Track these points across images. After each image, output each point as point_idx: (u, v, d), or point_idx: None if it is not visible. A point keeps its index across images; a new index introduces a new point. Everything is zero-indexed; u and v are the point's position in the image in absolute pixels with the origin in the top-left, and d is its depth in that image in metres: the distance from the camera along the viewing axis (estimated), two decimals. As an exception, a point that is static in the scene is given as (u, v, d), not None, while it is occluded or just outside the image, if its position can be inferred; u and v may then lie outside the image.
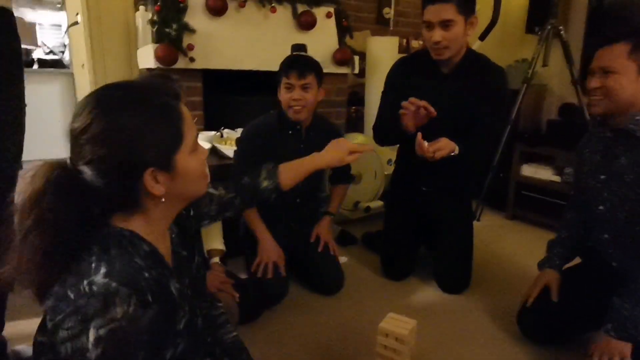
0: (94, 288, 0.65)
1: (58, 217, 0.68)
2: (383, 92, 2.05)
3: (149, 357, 0.69)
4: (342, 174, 2.15)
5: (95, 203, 0.72)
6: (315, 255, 1.98)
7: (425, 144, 1.67)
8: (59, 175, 0.69)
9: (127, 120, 0.70)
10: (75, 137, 0.70)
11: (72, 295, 0.66)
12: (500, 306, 1.90)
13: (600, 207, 1.43)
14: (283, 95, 1.82)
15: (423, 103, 1.71)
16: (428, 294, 2.01)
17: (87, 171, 0.70)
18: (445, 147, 1.71)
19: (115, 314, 0.64)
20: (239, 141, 1.94)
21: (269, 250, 1.84)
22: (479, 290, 2.04)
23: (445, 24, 1.72)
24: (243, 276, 1.92)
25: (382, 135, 2.05)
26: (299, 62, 1.83)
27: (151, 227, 0.78)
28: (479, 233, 2.09)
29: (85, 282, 0.66)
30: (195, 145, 0.80)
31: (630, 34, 1.29)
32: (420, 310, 1.86)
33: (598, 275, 1.47)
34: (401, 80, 1.97)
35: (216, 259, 1.66)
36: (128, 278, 0.68)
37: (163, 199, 0.75)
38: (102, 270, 0.67)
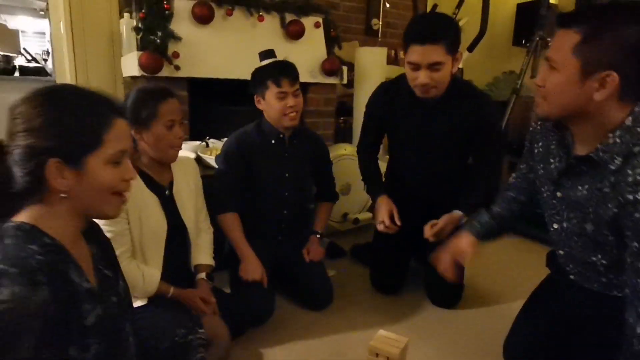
0: None
1: None
2: (365, 115, 2.04)
3: (40, 347, 0.65)
4: (326, 192, 2.11)
5: (13, 187, 0.74)
6: (303, 269, 1.93)
7: (428, 228, 1.74)
8: None
9: (52, 108, 0.75)
10: (11, 110, 0.75)
11: None
12: (493, 320, 1.87)
13: (555, 226, 1.23)
14: (275, 104, 1.76)
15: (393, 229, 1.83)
16: (419, 308, 1.97)
17: (12, 147, 0.74)
18: (446, 225, 1.74)
19: (2, 295, 0.63)
20: (221, 158, 1.85)
21: (252, 269, 1.75)
22: (470, 304, 2.00)
23: (434, 66, 1.63)
24: (228, 291, 1.85)
25: (364, 174, 2.08)
26: (288, 68, 1.79)
27: (56, 224, 0.77)
28: (469, 245, 2.06)
29: None
30: (118, 161, 0.80)
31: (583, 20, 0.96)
32: (411, 326, 1.82)
33: (579, 299, 1.26)
34: (383, 109, 1.93)
35: (202, 275, 1.59)
36: (17, 260, 0.67)
37: (64, 195, 0.75)
38: None
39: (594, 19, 0.94)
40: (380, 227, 1.86)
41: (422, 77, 1.65)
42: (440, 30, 1.62)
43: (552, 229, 1.24)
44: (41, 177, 0.73)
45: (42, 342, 0.65)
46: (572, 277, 1.26)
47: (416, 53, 1.63)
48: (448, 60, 1.64)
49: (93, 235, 0.91)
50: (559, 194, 1.16)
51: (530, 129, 1.29)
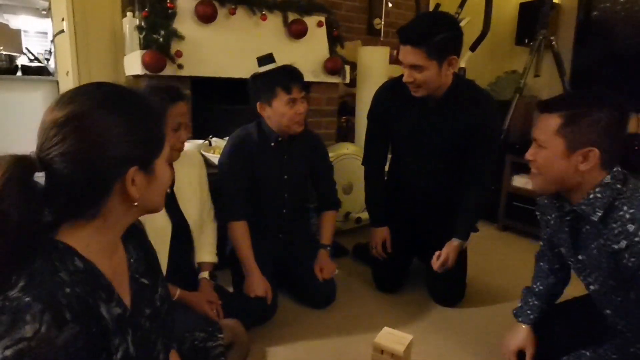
0: (7, 303, 0.60)
1: (10, 213, 0.62)
2: (369, 117, 2.02)
3: None
4: (328, 200, 2.06)
5: (51, 204, 0.67)
6: (306, 268, 1.93)
7: (435, 261, 1.82)
8: (19, 167, 0.63)
9: (120, 116, 0.69)
10: (60, 125, 0.65)
11: None
12: (495, 318, 1.87)
13: (592, 287, 1.26)
14: (285, 112, 1.73)
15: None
16: (422, 306, 1.97)
17: (58, 162, 0.65)
18: (449, 256, 1.81)
19: (24, 332, 0.57)
20: (225, 160, 1.83)
21: (257, 285, 1.72)
22: (472, 303, 2.00)
23: (414, 68, 1.65)
24: (231, 289, 1.85)
25: (368, 198, 2.12)
26: (297, 74, 1.77)
27: (96, 240, 0.71)
28: (471, 244, 2.05)
29: (1, 297, 0.60)
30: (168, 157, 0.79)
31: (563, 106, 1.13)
32: (414, 324, 1.82)
33: (597, 317, 1.32)
34: (386, 106, 1.93)
35: (205, 274, 1.60)
36: (44, 292, 0.61)
37: (136, 203, 0.72)
38: (20, 284, 0.61)
39: (571, 106, 1.11)
40: (373, 252, 2.06)
41: (405, 75, 1.69)
42: (423, 34, 1.60)
43: (590, 291, 1.28)
44: (109, 190, 0.69)
45: None
46: (619, 327, 1.25)
47: (400, 52, 1.68)
48: (431, 65, 1.63)
49: (134, 238, 0.86)
50: (580, 257, 1.25)
51: (538, 202, 1.38)
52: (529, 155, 1.20)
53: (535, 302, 1.43)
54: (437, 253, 1.84)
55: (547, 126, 1.13)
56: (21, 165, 0.63)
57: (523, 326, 1.42)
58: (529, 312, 1.43)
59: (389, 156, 2.13)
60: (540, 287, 1.45)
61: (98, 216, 0.70)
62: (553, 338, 1.39)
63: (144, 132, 0.71)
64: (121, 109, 0.70)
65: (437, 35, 1.59)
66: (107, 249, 0.74)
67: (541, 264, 1.47)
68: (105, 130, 0.66)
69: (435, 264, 1.82)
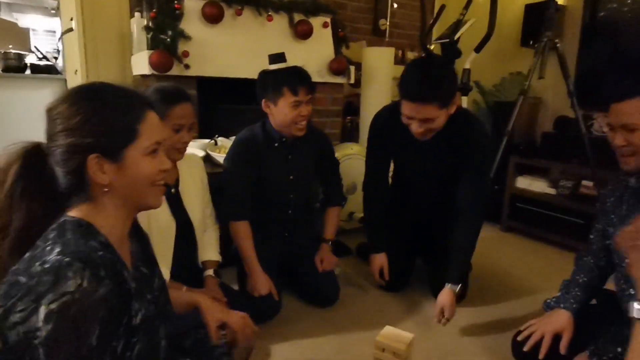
0: (46, 266, 0.65)
1: (26, 195, 0.75)
2: (368, 142, 2.00)
3: (103, 337, 0.67)
4: (333, 195, 2.08)
5: (59, 186, 0.77)
6: (310, 267, 1.95)
7: (440, 318, 1.69)
8: (30, 154, 0.77)
9: (89, 105, 0.76)
10: (49, 111, 0.77)
11: (23, 279, 0.65)
12: (497, 319, 1.89)
13: (627, 261, 1.29)
14: (288, 112, 1.73)
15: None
16: (424, 305, 1.98)
17: (53, 147, 0.75)
18: (448, 306, 1.67)
19: (67, 287, 0.63)
20: (230, 161, 1.85)
21: (260, 284, 1.74)
22: (475, 303, 2.01)
23: (428, 120, 1.60)
24: (236, 287, 1.88)
25: (368, 223, 2.11)
26: (306, 77, 1.76)
27: (106, 223, 0.78)
28: (475, 245, 2.07)
29: (37, 264, 0.66)
30: (155, 151, 0.81)
31: None
32: (416, 323, 1.83)
33: (609, 318, 1.35)
34: (383, 135, 1.93)
35: (210, 272, 1.62)
36: (81, 254, 0.68)
37: (106, 189, 0.77)
38: (57, 250, 0.68)
39: None
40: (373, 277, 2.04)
41: (415, 127, 1.63)
42: (431, 90, 1.55)
43: (624, 264, 1.29)
44: (83, 174, 0.75)
45: (106, 332, 0.67)
46: None
47: (408, 108, 1.60)
48: (442, 113, 1.60)
49: (132, 230, 0.91)
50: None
51: (602, 191, 1.47)
52: (620, 141, 1.25)
53: (579, 293, 1.43)
54: (438, 309, 1.72)
55: (633, 110, 1.21)
56: (29, 150, 0.78)
57: (564, 311, 1.41)
58: (572, 301, 1.41)
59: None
60: (585, 279, 1.45)
61: (89, 199, 0.78)
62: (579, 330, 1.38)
63: (105, 123, 0.76)
64: (83, 103, 0.76)
65: (442, 87, 1.57)
66: (116, 236, 0.80)
67: (585, 258, 1.48)
68: (66, 121, 0.75)
69: (442, 321, 1.69)
